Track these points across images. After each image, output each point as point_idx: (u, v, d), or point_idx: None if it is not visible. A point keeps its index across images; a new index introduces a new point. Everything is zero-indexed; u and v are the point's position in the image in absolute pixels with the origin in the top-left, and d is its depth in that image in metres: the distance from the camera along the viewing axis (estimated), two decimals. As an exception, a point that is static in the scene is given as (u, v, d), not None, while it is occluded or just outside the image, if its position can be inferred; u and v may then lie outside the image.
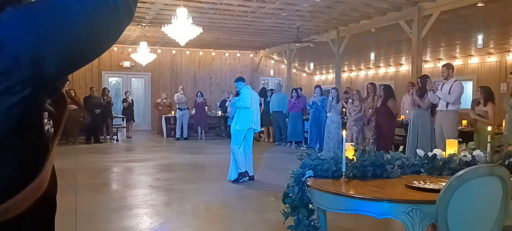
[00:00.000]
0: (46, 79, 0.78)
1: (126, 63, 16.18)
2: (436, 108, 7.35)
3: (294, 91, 12.45)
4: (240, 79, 7.33)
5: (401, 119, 9.54)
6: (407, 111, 8.91)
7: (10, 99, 0.73)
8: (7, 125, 0.73)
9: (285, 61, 16.50)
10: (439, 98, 7.09)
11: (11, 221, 0.73)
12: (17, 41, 0.74)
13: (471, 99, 9.31)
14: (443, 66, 7.39)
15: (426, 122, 7.54)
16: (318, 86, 11.87)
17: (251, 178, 7.06)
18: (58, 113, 0.91)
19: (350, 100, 9.72)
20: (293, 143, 12.06)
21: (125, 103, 14.38)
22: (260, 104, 13.47)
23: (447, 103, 6.99)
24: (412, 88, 7.88)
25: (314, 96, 11.37)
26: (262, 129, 13.35)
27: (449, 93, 6.96)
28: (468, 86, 11.83)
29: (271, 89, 14.21)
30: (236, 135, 6.96)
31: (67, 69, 0.83)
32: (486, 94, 7.10)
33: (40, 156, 0.81)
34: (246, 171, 6.97)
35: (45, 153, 0.83)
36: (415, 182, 2.78)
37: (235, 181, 6.88)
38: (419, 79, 7.87)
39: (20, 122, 0.75)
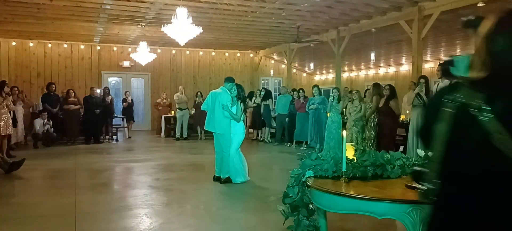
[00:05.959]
0: None
1: (126, 63, 16.14)
2: None
3: (301, 91, 12.40)
4: (226, 80, 7.21)
5: (402, 118, 9.54)
6: (407, 111, 8.90)
7: None
8: None
9: (285, 61, 16.49)
10: None
11: None
12: None
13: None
14: (438, 65, 7.52)
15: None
16: (315, 86, 11.86)
17: (225, 180, 6.78)
18: None
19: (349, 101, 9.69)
20: (294, 142, 12.05)
21: (124, 104, 14.37)
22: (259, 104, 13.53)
23: None
24: (414, 87, 7.91)
25: (314, 97, 11.40)
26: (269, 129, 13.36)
27: None
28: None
29: (261, 89, 14.16)
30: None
31: None
32: None
33: None
34: (214, 176, 6.97)
35: None
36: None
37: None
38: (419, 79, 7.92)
39: None
